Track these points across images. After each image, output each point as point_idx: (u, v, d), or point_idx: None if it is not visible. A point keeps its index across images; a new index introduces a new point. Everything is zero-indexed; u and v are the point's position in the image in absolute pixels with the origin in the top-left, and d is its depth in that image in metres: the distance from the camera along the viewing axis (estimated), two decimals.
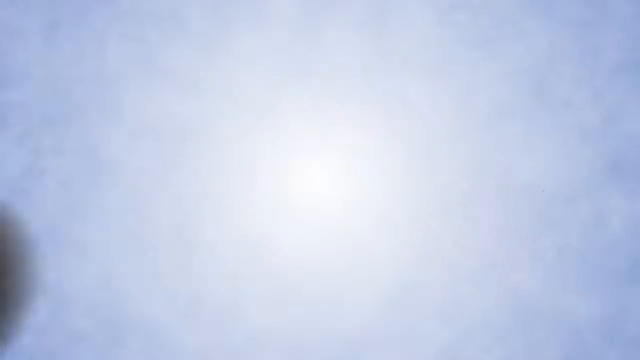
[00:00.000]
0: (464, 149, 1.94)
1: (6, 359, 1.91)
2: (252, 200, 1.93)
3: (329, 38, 1.95)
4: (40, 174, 1.93)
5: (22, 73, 1.94)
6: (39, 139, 1.93)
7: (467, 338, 1.91)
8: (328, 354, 1.91)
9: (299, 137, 1.94)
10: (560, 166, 1.94)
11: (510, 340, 1.92)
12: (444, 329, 1.91)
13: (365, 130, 1.94)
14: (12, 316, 1.78)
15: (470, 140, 1.94)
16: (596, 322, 1.91)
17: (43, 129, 1.93)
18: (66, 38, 1.95)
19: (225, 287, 1.92)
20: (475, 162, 1.94)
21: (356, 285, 1.92)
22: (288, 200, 1.93)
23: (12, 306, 1.84)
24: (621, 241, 1.93)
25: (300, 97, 1.94)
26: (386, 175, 1.93)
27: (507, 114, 1.94)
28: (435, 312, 1.91)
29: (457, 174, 1.94)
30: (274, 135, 1.94)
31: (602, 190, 1.93)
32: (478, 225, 1.93)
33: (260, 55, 1.95)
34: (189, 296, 1.91)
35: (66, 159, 1.93)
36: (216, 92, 1.94)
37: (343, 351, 1.91)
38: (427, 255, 1.92)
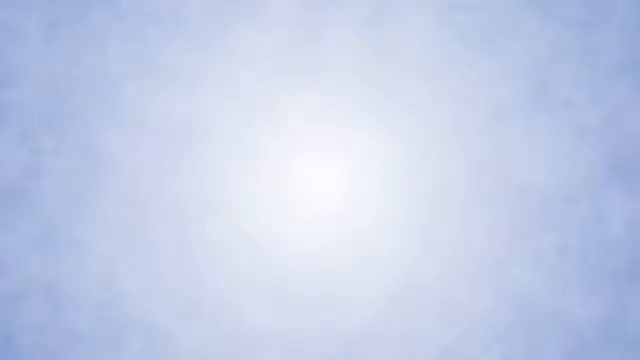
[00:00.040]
0: (464, 148, 1.94)
1: (6, 359, 1.91)
2: (252, 200, 1.93)
3: (329, 38, 1.95)
4: (40, 174, 1.93)
5: (22, 73, 1.94)
6: (39, 139, 1.93)
7: (467, 338, 1.91)
8: (328, 354, 1.91)
9: (299, 137, 1.94)
10: (560, 166, 1.94)
11: (510, 340, 1.92)
12: (444, 329, 1.91)
13: (365, 130, 1.94)
14: None
15: (470, 140, 1.94)
16: (596, 322, 1.92)
17: (43, 129, 1.93)
18: (66, 38, 1.95)
19: (225, 287, 1.92)
20: (475, 162, 1.94)
21: (356, 285, 1.92)
22: (288, 200, 1.93)
23: None
24: (621, 241, 1.93)
25: (300, 97, 1.94)
26: (386, 175, 1.93)
27: (507, 113, 1.94)
28: (435, 312, 1.91)
29: (457, 174, 1.94)
30: (274, 135, 1.94)
31: (602, 190, 1.93)
32: (478, 225, 1.93)
33: (260, 55, 1.95)
34: (189, 296, 1.91)
35: (66, 159, 1.93)
36: (216, 92, 1.94)
37: (343, 351, 1.91)
38: (427, 255, 1.92)
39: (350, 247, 1.92)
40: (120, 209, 1.92)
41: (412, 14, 1.95)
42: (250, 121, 1.94)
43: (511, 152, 1.93)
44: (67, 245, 1.92)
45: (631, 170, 1.93)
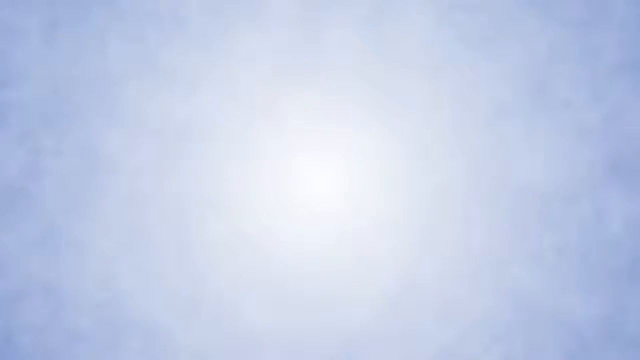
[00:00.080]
0: (464, 148, 1.94)
1: (6, 359, 1.91)
2: (252, 200, 1.93)
3: (329, 38, 1.95)
4: (40, 174, 1.93)
5: (22, 73, 1.94)
6: (39, 139, 1.93)
7: (467, 338, 1.91)
8: (328, 354, 1.91)
9: (299, 137, 1.94)
10: (560, 166, 1.94)
11: (510, 340, 1.92)
12: (444, 329, 1.91)
13: (365, 130, 1.94)
14: None
15: (470, 140, 1.94)
16: (596, 322, 1.91)
17: (43, 129, 1.93)
18: (66, 38, 1.95)
19: (225, 287, 1.92)
20: (475, 162, 1.94)
21: (356, 285, 1.92)
22: (288, 200, 1.93)
23: None
24: (621, 241, 1.93)
25: (300, 97, 1.94)
26: (386, 175, 1.93)
27: (507, 113, 1.94)
28: (435, 312, 1.91)
29: (457, 174, 1.94)
30: (274, 135, 1.94)
31: (602, 190, 1.93)
32: (478, 225, 1.93)
33: (260, 55, 1.95)
34: (189, 296, 1.91)
35: (66, 159, 1.93)
36: (216, 92, 1.94)
37: (343, 351, 1.91)
38: (427, 255, 1.92)
39: (350, 247, 1.92)
40: (120, 209, 1.92)
41: (412, 14, 1.95)
42: (250, 121, 1.94)
43: (511, 152, 1.93)
44: (67, 245, 1.92)
45: (631, 170, 1.93)
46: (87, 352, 1.91)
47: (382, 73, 1.94)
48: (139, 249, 1.92)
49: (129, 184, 1.93)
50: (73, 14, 1.95)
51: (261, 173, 1.93)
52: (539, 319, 1.91)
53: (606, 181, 1.93)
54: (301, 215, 1.92)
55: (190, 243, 1.92)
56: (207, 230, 1.92)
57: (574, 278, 1.92)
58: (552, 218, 1.93)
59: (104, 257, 1.91)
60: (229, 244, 1.92)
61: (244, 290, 1.91)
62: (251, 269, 1.92)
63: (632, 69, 1.95)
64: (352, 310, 1.91)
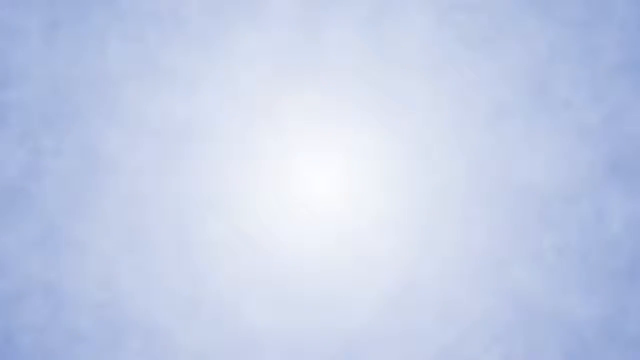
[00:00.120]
0: (464, 148, 1.94)
1: (6, 359, 1.91)
2: (252, 200, 1.93)
3: (329, 38, 1.95)
4: (40, 174, 1.93)
5: (22, 73, 1.94)
6: (39, 139, 1.93)
7: (467, 338, 1.91)
8: (328, 354, 1.91)
9: (299, 137, 1.94)
10: (560, 166, 1.94)
11: (510, 340, 1.92)
12: (444, 329, 1.91)
13: (365, 130, 1.94)
14: None
15: (470, 140, 1.94)
16: (596, 322, 1.91)
17: (43, 129, 1.93)
18: (66, 38, 1.95)
19: (225, 287, 1.92)
20: (475, 162, 1.94)
21: (356, 285, 1.92)
22: (288, 200, 1.93)
23: None
24: (621, 241, 1.93)
25: (300, 97, 1.94)
26: (386, 175, 1.93)
27: (507, 113, 1.94)
28: (435, 312, 1.91)
29: (457, 174, 1.94)
30: (274, 135, 1.94)
31: (602, 190, 1.93)
32: (478, 225, 1.93)
33: (260, 55, 1.95)
34: (189, 296, 1.91)
35: (66, 159, 1.93)
36: (216, 92, 1.94)
37: (343, 351, 1.91)
38: (427, 255, 1.92)
39: (350, 247, 1.92)
40: (120, 209, 1.92)
41: (412, 14, 1.95)
42: (250, 121, 1.94)
43: (511, 152, 1.93)
44: (67, 245, 1.92)
45: (631, 170, 1.93)
46: (87, 352, 1.91)
47: (382, 73, 1.94)
48: (139, 249, 1.92)
49: (129, 184, 1.93)
50: (73, 14, 1.95)
51: (261, 173, 1.93)
52: (539, 319, 1.91)
53: (606, 181, 1.93)
54: (301, 215, 1.92)
55: (190, 243, 1.92)
56: (207, 230, 1.92)
57: (574, 278, 1.92)
58: (552, 218, 1.93)
59: (104, 257, 1.91)
60: (229, 244, 1.92)
61: (244, 290, 1.91)
62: (251, 269, 1.92)
63: (632, 69, 1.95)
64: (352, 310, 1.91)
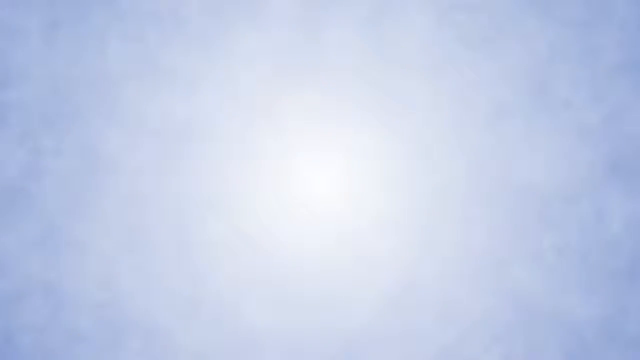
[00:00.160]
0: (464, 148, 1.94)
1: (6, 359, 1.91)
2: (252, 200, 1.93)
3: (329, 38, 1.95)
4: (40, 174, 1.93)
5: (22, 73, 1.94)
6: (39, 139, 1.93)
7: (467, 338, 1.91)
8: (328, 354, 1.91)
9: (299, 137, 1.94)
10: (560, 166, 1.94)
11: (510, 340, 1.92)
12: (444, 329, 1.91)
13: (365, 130, 1.94)
14: None
15: (470, 140, 1.94)
16: (596, 322, 1.91)
17: (43, 129, 1.93)
18: (66, 38, 1.95)
19: (225, 287, 1.92)
20: (475, 162, 1.94)
21: (356, 285, 1.92)
22: (288, 200, 1.93)
23: None
24: (621, 241, 1.93)
25: (300, 97, 1.94)
26: (386, 175, 1.93)
27: (507, 113, 1.94)
28: (435, 312, 1.91)
29: (457, 174, 1.94)
30: (274, 135, 1.94)
31: (602, 190, 1.93)
32: (478, 225, 1.93)
33: (260, 55, 1.95)
34: (189, 296, 1.91)
35: (66, 159, 1.93)
36: (216, 92, 1.94)
37: (343, 351, 1.91)
38: (427, 255, 1.92)
39: (350, 247, 1.92)
40: (120, 209, 1.92)
41: (412, 14, 1.95)
42: (250, 121, 1.94)
43: (511, 152, 1.93)
44: (67, 245, 1.92)
45: (631, 170, 1.93)
46: (87, 352, 1.91)
47: (382, 73, 1.94)
48: (139, 249, 1.92)
49: (129, 184, 1.93)
50: (73, 14, 1.95)
51: (261, 173, 1.93)
52: (539, 319, 1.91)
53: (606, 181, 1.93)
54: (301, 215, 1.92)
55: (190, 243, 1.92)
56: (207, 230, 1.92)
57: (574, 278, 1.92)
58: (552, 218, 1.93)
59: (104, 257, 1.92)
60: (229, 244, 1.92)
61: (244, 290, 1.91)
62: (251, 269, 1.92)
63: (632, 69, 1.95)
64: (352, 310, 1.91)
